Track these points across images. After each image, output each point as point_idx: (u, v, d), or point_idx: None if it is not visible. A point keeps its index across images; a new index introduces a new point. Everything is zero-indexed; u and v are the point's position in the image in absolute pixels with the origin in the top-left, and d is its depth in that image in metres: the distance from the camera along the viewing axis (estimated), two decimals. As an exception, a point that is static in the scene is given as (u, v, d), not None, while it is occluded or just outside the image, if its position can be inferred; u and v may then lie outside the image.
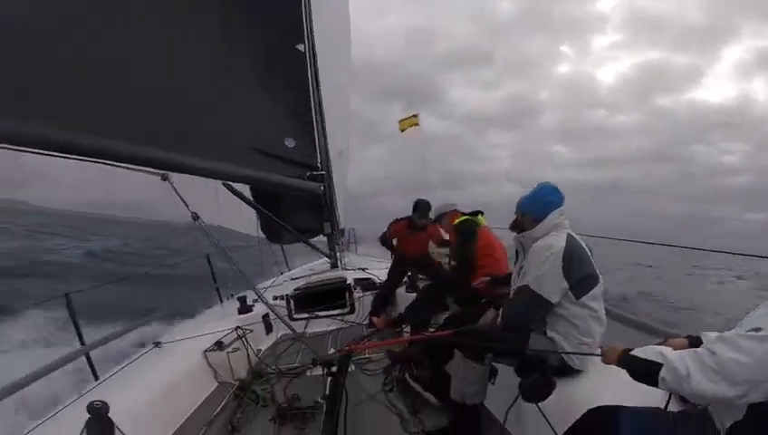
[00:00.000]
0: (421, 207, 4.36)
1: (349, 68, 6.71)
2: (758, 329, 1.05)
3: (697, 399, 1.11)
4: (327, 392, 1.95)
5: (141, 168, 3.12)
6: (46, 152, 2.69)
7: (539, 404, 1.84)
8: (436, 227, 4.39)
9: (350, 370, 3.26)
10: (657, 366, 1.18)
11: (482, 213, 3.46)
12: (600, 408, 1.46)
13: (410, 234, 4.57)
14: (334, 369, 2.52)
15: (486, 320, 2.40)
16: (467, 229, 3.30)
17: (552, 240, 1.97)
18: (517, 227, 2.22)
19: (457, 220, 3.42)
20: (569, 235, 2.00)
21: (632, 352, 1.31)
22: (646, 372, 1.22)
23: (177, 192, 3.14)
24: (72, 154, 2.80)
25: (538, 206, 2.08)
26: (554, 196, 2.08)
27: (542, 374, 1.78)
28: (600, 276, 2.01)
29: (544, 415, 1.81)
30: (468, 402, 2.14)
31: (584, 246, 2.04)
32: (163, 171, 3.15)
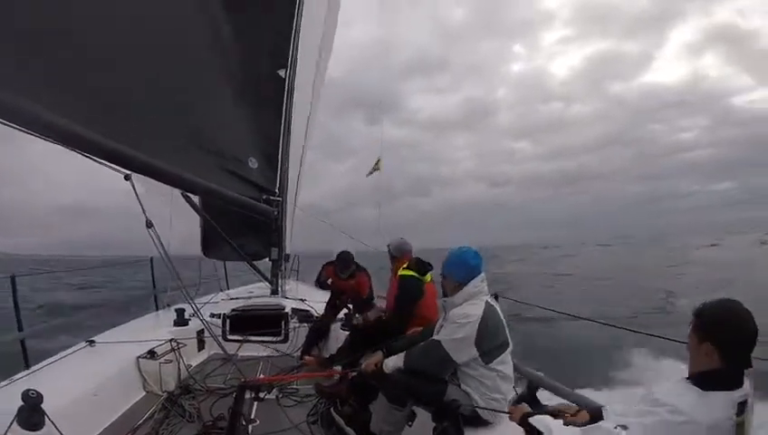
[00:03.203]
0: (341, 261, 4.44)
1: (319, 94, 6.82)
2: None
3: None
4: (227, 419, 2.06)
5: (106, 163, 3.06)
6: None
7: None
8: (363, 278, 4.51)
9: (279, 397, 3.32)
10: None
11: (431, 267, 3.44)
12: None
13: (340, 279, 4.60)
14: (262, 394, 2.59)
15: (370, 363, 2.53)
16: (413, 288, 3.37)
17: (470, 309, 2.19)
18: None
19: (402, 272, 3.46)
20: (487, 303, 2.24)
21: (531, 419, 1.57)
22: None
23: (136, 194, 3.13)
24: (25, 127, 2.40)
25: (461, 269, 2.28)
26: (476, 260, 2.30)
27: (454, 423, 2.01)
28: (510, 342, 2.27)
29: None
30: (385, 439, 2.28)
31: (499, 312, 2.29)
32: (127, 171, 3.12)
